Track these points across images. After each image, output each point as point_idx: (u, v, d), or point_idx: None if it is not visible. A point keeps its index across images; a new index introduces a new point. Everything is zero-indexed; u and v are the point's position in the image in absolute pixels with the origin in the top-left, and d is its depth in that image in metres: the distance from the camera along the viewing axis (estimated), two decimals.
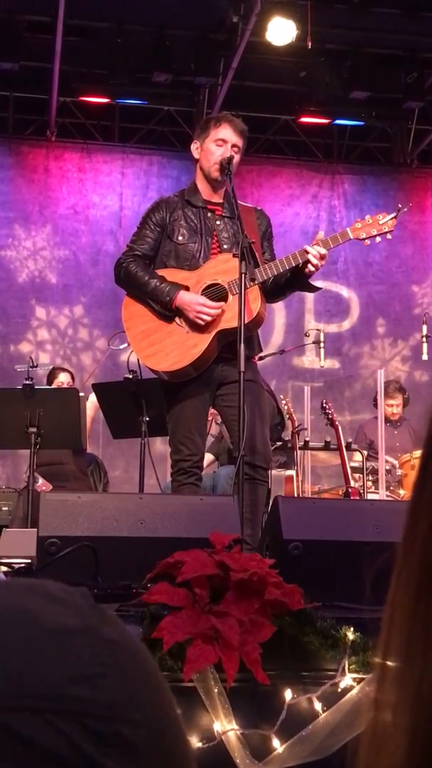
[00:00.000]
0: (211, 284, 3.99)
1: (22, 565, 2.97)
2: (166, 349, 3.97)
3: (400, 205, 4.27)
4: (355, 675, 2.32)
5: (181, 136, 9.61)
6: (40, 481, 5.97)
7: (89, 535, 2.73)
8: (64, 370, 7.14)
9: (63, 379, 6.88)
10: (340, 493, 6.43)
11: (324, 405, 6.51)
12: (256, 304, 3.91)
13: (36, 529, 2.80)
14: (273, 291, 4.10)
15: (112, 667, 0.49)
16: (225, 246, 4.05)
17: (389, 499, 6.05)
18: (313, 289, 4.23)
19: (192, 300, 3.92)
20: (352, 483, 6.25)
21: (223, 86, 8.92)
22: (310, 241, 4.06)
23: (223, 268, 3.99)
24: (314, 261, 3.89)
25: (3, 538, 4.14)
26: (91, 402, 6.12)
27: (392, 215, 4.11)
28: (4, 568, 3.06)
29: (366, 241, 4.11)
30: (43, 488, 5.87)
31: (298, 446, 6.35)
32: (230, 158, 4.02)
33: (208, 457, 6.40)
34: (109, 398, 5.58)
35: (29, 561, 3.04)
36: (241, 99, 9.01)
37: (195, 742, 2.16)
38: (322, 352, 7.24)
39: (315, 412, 6.56)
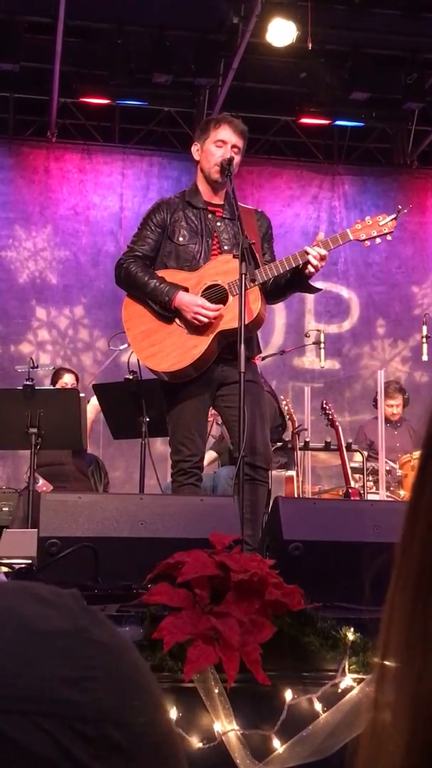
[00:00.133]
0: (211, 285, 3.99)
1: (23, 565, 2.97)
2: (166, 350, 3.97)
3: (400, 207, 4.27)
4: (355, 675, 2.32)
5: (181, 137, 9.61)
6: (41, 481, 5.97)
7: (90, 535, 2.73)
8: (68, 371, 7.15)
9: (67, 380, 6.90)
10: (341, 493, 6.43)
11: (324, 405, 6.51)
12: (256, 304, 3.91)
13: (36, 530, 2.81)
14: (273, 292, 4.10)
15: (101, 670, 0.49)
16: (225, 247, 4.05)
17: (389, 499, 6.05)
18: (313, 290, 4.22)
19: (190, 301, 3.92)
20: (352, 483, 6.25)
21: (223, 87, 8.92)
22: (310, 241, 4.06)
23: (224, 269, 3.99)
24: (314, 262, 3.89)
25: (3, 538, 4.14)
26: (92, 405, 6.13)
27: (392, 216, 4.11)
28: (5, 569, 3.06)
29: (366, 242, 4.11)
30: (44, 489, 5.87)
31: (298, 447, 6.36)
32: (230, 159, 4.02)
33: (211, 455, 6.41)
34: (110, 399, 5.59)
35: (30, 561, 3.04)
36: (242, 100, 9.01)
37: (195, 742, 2.16)
38: (322, 353, 7.25)
39: (315, 413, 6.56)
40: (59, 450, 6.15)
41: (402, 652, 0.50)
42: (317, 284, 4.27)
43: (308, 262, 3.90)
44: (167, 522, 2.87)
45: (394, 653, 0.51)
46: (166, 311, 3.98)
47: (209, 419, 4.50)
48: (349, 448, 6.38)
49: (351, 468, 6.32)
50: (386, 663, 0.51)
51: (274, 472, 5.78)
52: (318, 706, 2.28)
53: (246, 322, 3.72)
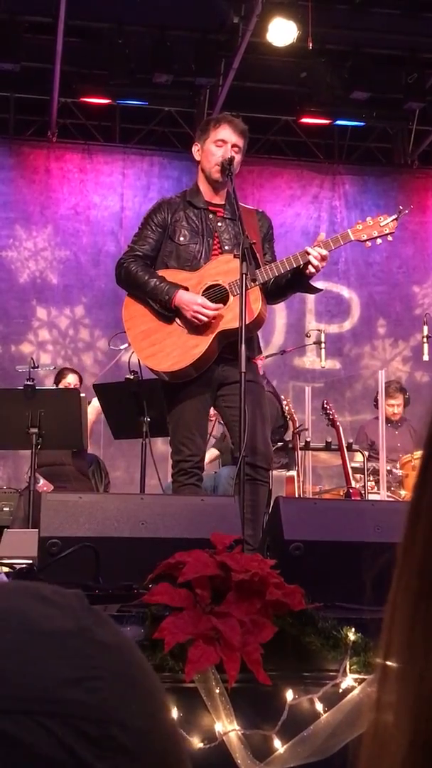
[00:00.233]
0: (212, 285, 3.99)
1: (24, 565, 2.97)
2: (166, 350, 3.97)
3: (401, 207, 4.27)
4: (356, 675, 2.32)
5: (181, 136, 9.62)
6: (42, 481, 5.97)
7: (90, 535, 2.73)
8: (72, 371, 7.16)
9: (71, 380, 6.91)
10: (341, 493, 6.43)
11: (325, 405, 6.51)
12: (257, 304, 3.91)
13: (37, 530, 2.81)
14: (274, 292, 4.10)
15: (105, 670, 0.49)
16: (226, 247, 4.05)
17: (390, 499, 6.05)
18: (314, 290, 4.22)
19: (190, 299, 3.92)
20: (353, 483, 6.25)
21: (223, 87, 8.92)
22: (311, 241, 4.06)
23: (224, 269, 3.99)
24: (315, 262, 3.89)
25: (4, 538, 4.13)
26: (93, 407, 6.13)
27: (393, 217, 4.11)
28: (6, 569, 3.06)
29: (367, 242, 4.11)
30: (45, 489, 5.87)
31: (299, 447, 6.36)
32: (231, 159, 4.02)
33: (212, 452, 6.41)
34: (110, 399, 5.58)
35: (30, 561, 3.04)
36: (242, 100, 9.01)
37: (196, 742, 2.16)
38: (323, 353, 7.25)
39: (316, 413, 6.56)
40: (60, 450, 6.15)
41: (404, 652, 0.50)
42: (318, 284, 4.27)
43: (309, 262, 3.90)
44: (168, 522, 2.87)
45: (396, 653, 0.51)
46: (167, 310, 3.98)
47: (211, 419, 4.50)
48: (349, 448, 6.38)
49: (352, 468, 6.32)
50: (388, 663, 0.51)
51: (274, 472, 5.79)
52: (319, 707, 2.28)
53: (247, 322, 3.72)
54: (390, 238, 4.13)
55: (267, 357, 7.26)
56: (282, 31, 8.16)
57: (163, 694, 0.52)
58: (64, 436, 5.42)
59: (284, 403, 6.56)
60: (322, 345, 7.22)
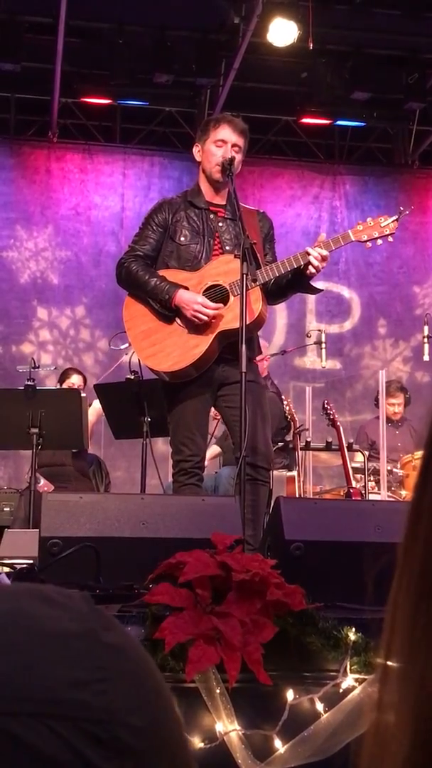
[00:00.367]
0: (212, 285, 3.99)
1: (24, 565, 2.97)
2: (167, 350, 3.97)
3: (402, 208, 4.27)
4: (356, 675, 2.32)
5: (182, 137, 9.62)
6: (42, 481, 5.97)
7: (91, 535, 2.73)
8: (77, 371, 7.16)
9: (75, 381, 6.91)
10: (342, 493, 6.42)
11: (325, 405, 6.51)
12: (257, 305, 3.91)
13: (38, 530, 2.81)
14: (274, 292, 4.10)
15: (111, 672, 0.49)
16: (227, 247, 4.05)
17: (391, 499, 6.05)
18: (315, 290, 4.22)
19: (190, 299, 3.92)
20: (353, 483, 6.25)
21: (224, 87, 8.92)
22: (311, 241, 4.07)
23: (225, 269, 3.99)
24: (315, 263, 3.89)
25: (5, 538, 4.13)
26: (93, 408, 6.13)
27: (394, 218, 4.11)
28: (6, 569, 3.06)
29: (367, 243, 4.11)
30: (45, 489, 5.87)
31: (299, 447, 6.36)
32: (231, 159, 4.02)
33: (214, 449, 6.40)
34: (111, 399, 5.59)
35: (31, 561, 3.04)
36: (243, 100, 9.00)
37: (197, 742, 2.16)
38: (323, 353, 7.24)
39: (316, 413, 6.56)
40: (60, 450, 6.16)
41: (405, 652, 0.50)
42: (318, 284, 4.27)
43: (309, 262, 3.90)
44: (168, 522, 2.87)
45: (397, 653, 0.51)
46: (167, 310, 3.98)
47: (213, 420, 4.50)
48: (350, 448, 6.38)
49: (352, 468, 6.32)
50: (389, 663, 0.51)
51: (275, 473, 5.79)
52: (319, 707, 2.28)
53: (247, 323, 3.72)
54: (390, 239, 4.13)
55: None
56: (282, 32, 8.15)
57: (169, 695, 0.52)
58: (64, 437, 5.43)
59: (285, 403, 6.56)
60: (323, 345, 7.21)
